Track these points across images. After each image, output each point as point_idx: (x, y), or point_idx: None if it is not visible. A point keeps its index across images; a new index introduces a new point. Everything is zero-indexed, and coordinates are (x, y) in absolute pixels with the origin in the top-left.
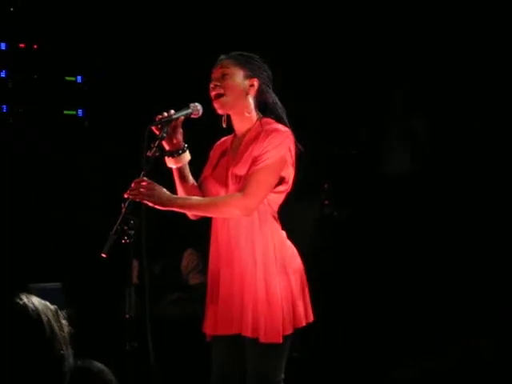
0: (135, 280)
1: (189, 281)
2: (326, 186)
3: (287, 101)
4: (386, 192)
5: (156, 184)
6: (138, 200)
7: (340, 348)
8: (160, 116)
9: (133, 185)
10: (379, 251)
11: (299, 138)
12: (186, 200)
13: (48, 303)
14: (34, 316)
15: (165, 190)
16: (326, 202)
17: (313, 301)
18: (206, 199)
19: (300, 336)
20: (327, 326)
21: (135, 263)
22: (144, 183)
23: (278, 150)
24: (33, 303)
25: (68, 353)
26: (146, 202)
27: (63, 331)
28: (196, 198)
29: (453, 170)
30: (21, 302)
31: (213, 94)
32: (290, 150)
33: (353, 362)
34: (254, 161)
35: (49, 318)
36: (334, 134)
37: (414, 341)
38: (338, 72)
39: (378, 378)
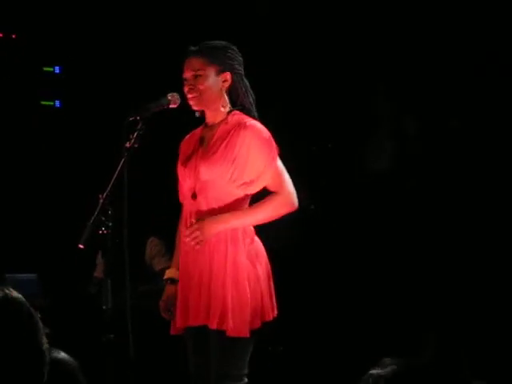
0: (100, 274)
1: (154, 267)
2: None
3: (264, 98)
4: (363, 186)
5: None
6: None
7: (315, 342)
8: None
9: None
10: (356, 244)
11: (277, 134)
12: (240, 216)
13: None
14: (22, 308)
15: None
16: (303, 195)
17: (287, 294)
18: (257, 210)
19: (274, 330)
20: (302, 319)
21: (100, 257)
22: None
23: (269, 146)
24: (17, 295)
25: (47, 345)
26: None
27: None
28: (248, 212)
29: (434, 169)
30: (9, 294)
31: (188, 96)
32: (272, 144)
33: (328, 356)
34: (259, 163)
35: (32, 311)
36: (311, 129)
37: (390, 336)
38: (318, 68)
39: (354, 374)
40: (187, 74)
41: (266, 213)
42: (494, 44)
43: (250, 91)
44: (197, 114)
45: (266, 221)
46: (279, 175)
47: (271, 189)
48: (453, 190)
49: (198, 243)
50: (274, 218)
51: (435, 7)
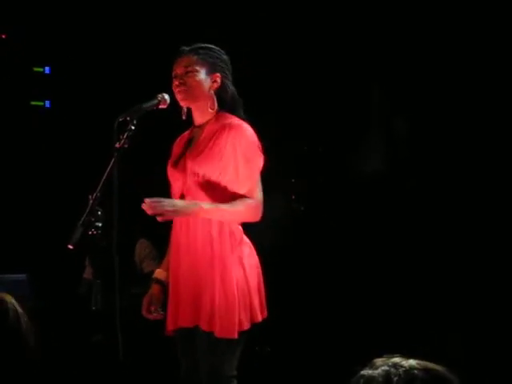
0: (89, 275)
1: (143, 269)
2: (292, 181)
3: (256, 97)
4: (353, 188)
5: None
6: (167, 220)
7: (302, 343)
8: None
9: (151, 208)
10: (345, 246)
11: (267, 135)
12: (212, 206)
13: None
14: (8, 307)
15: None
16: (293, 197)
17: (275, 295)
18: (227, 206)
19: (262, 330)
20: (289, 320)
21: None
22: (163, 202)
23: (254, 148)
24: (10, 298)
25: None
26: (170, 216)
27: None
28: (218, 205)
29: (423, 172)
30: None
31: (176, 90)
32: (258, 146)
33: (316, 357)
34: (239, 161)
35: (22, 312)
36: (302, 131)
37: (378, 335)
38: (310, 69)
39: (342, 374)
40: (178, 71)
41: (238, 213)
42: (490, 45)
43: (238, 98)
44: (183, 117)
45: (231, 221)
46: (257, 183)
47: (246, 193)
48: (449, 190)
49: (161, 214)
50: (238, 221)
51: (427, 8)
